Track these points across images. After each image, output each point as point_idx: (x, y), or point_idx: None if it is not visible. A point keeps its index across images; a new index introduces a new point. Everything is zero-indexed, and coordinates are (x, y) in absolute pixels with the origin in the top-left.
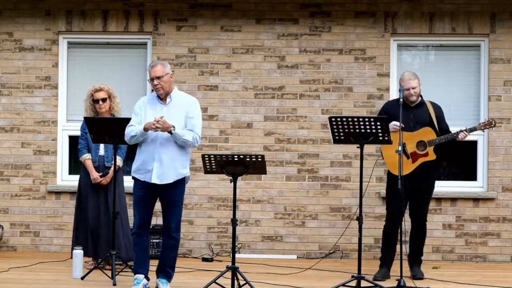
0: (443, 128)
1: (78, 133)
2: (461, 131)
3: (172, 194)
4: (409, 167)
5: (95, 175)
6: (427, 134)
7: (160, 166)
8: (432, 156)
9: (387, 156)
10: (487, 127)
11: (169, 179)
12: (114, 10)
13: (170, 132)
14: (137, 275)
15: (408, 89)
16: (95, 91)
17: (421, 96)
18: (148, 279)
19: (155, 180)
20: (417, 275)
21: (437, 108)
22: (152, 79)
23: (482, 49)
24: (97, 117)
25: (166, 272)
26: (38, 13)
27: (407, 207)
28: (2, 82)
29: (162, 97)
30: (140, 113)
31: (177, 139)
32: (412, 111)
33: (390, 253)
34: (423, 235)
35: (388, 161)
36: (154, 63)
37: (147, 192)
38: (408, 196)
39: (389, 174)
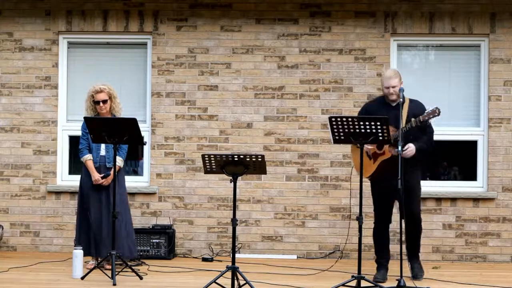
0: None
1: (78, 133)
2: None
3: None
4: (371, 168)
5: (96, 176)
6: None
7: None
8: (388, 154)
9: (354, 159)
10: (431, 116)
11: None
12: (114, 10)
13: None
14: None
15: (388, 88)
16: (95, 92)
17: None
18: None
19: None
20: (417, 275)
21: (416, 106)
22: None
23: (482, 49)
24: (97, 117)
25: None
26: (38, 13)
27: (397, 207)
28: (2, 82)
29: None
30: None
31: None
32: (393, 111)
33: (385, 255)
34: (417, 231)
35: (356, 163)
36: None
37: None
38: (395, 196)
39: (370, 177)
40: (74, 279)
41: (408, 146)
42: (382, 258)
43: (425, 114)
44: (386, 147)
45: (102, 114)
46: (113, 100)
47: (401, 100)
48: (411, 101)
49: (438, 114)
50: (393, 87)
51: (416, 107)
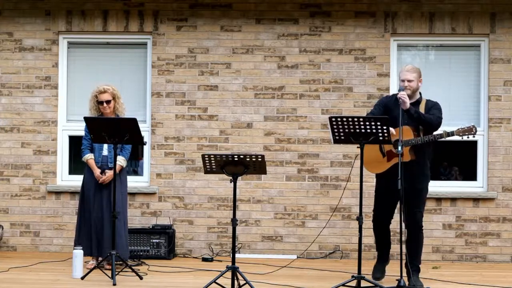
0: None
1: (77, 133)
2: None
3: None
4: (383, 166)
5: (97, 172)
6: (405, 133)
7: None
8: (407, 157)
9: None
10: (466, 133)
11: None
12: (114, 10)
13: None
14: None
15: (403, 81)
16: (99, 92)
17: (420, 93)
18: None
19: None
20: (416, 285)
21: (431, 103)
22: None
23: (482, 49)
24: (97, 117)
25: None
26: (38, 13)
27: (398, 212)
28: (2, 82)
29: None
30: None
31: None
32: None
33: (385, 245)
34: (418, 243)
35: (365, 160)
36: None
37: None
38: (397, 200)
39: (376, 174)
40: (74, 279)
41: (403, 94)
42: (383, 248)
43: (460, 129)
44: (407, 149)
45: (106, 114)
46: (117, 101)
47: (400, 100)
48: (427, 101)
49: (474, 133)
50: (409, 81)
51: (430, 103)
